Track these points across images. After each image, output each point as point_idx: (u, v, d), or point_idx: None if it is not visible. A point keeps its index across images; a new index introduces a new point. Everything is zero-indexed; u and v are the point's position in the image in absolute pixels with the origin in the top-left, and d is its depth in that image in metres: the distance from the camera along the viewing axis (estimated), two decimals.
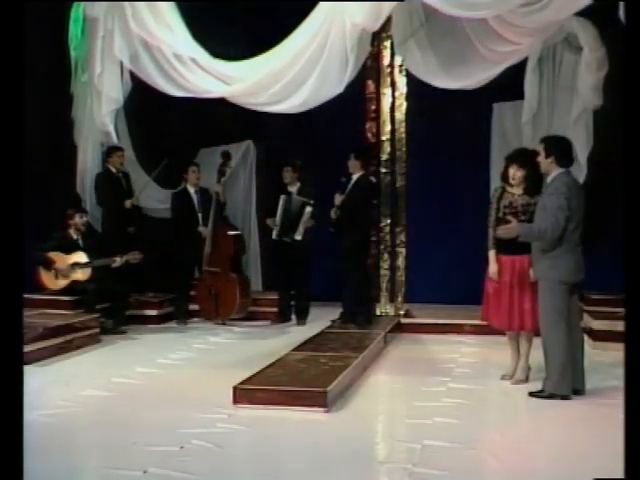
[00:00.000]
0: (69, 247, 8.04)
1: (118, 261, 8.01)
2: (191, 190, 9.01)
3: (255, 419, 4.97)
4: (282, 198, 8.60)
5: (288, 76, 7.39)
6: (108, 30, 8.04)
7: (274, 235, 8.69)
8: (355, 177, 8.04)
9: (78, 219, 8.14)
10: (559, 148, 5.50)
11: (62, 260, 7.95)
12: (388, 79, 8.62)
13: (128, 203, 8.89)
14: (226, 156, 9.00)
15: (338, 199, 7.91)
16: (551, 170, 5.49)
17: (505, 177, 5.90)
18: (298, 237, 8.51)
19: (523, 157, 5.86)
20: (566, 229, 5.34)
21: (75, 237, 8.14)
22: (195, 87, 7.73)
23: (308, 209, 8.47)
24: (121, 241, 8.50)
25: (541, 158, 5.53)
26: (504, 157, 6.08)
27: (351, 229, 7.93)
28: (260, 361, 6.16)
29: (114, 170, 8.92)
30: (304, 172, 8.76)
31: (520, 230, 5.52)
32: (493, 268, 5.86)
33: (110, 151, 8.89)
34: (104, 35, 8.11)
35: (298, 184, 8.71)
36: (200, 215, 8.91)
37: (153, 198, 9.36)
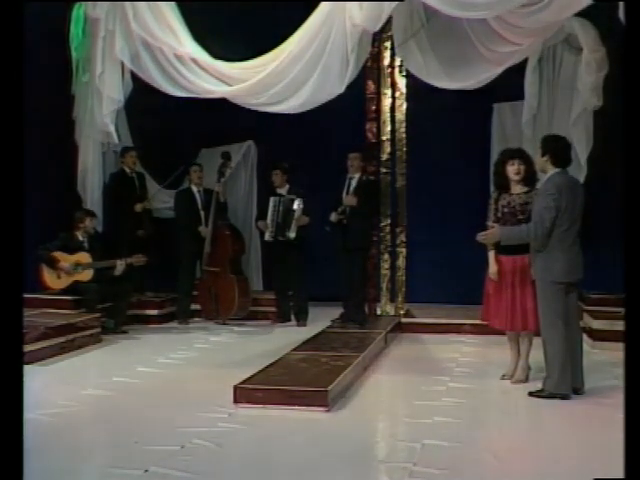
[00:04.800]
0: (74, 247, 8.05)
1: (121, 265, 8.01)
2: (194, 190, 9.06)
3: (256, 418, 4.98)
4: (271, 199, 8.66)
5: (289, 76, 7.41)
6: (109, 30, 8.07)
7: (267, 237, 8.74)
8: (357, 177, 8.09)
9: (88, 222, 8.17)
10: (555, 148, 5.51)
11: (66, 260, 7.97)
12: (388, 79, 8.63)
13: (139, 207, 8.95)
14: (226, 156, 9.03)
15: (351, 199, 7.91)
16: (547, 169, 5.51)
17: (500, 180, 5.89)
18: (292, 234, 8.52)
19: (519, 152, 5.93)
20: (553, 230, 5.36)
21: (81, 238, 8.15)
22: (196, 87, 7.75)
23: (299, 205, 8.49)
24: (129, 243, 8.52)
25: (538, 156, 5.57)
26: (494, 163, 6.08)
27: (357, 229, 7.95)
28: (261, 361, 6.17)
29: (128, 170, 9.01)
30: (293, 174, 8.80)
31: (501, 234, 5.56)
32: (493, 268, 5.86)
33: (123, 151, 9.00)
34: (105, 35, 8.13)
35: (287, 186, 8.76)
36: (203, 215, 8.94)
37: (155, 198, 9.37)
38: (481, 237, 5.61)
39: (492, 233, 5.59)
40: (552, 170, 5.47)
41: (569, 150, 5.65)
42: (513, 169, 5.78)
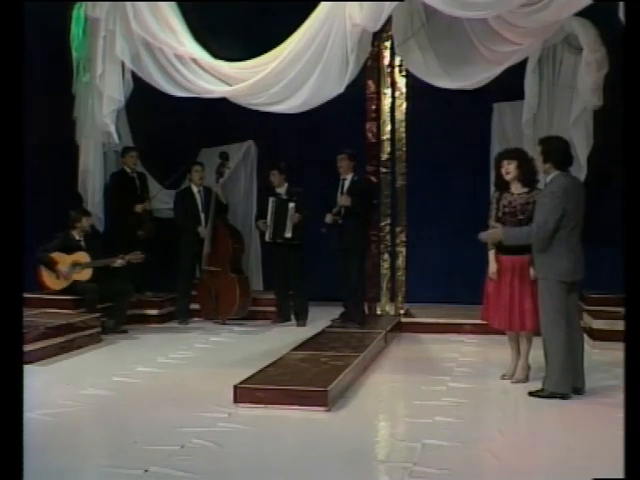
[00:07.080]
0: (72, 247, 8.05)
1: (119, 262, 8.01)
2: (195, 189, 9.07)
3: (256, 418, 4.98)
4: (271, 200, 8.68)
5: (289, 76, 7.42)
6: (109, 30, 8.07)
7: (267, 238, 8.77)
8: (349, 177, 8.09)
9: (84, 222, 8.16)
10: (555, 152, 5.51)
11: (64, 260, 7.97)
12: (388, 79, 8.64)
13: (139, 207, 8.94)
14: (224, 157, 9.04)
15: (345, 199, 7.92)
16: (550, 172, 5.51)
17: (499, 181, 5.91)
18: (288, 234, 8.56)
19: (510, 152, 5.94)
20: (557, 231, 5.35)
21: (78, 238, 8.14)
22: (196, 87, 7.76)
23: (291, 205, 8.56)
24: (129, 244, 8.50)
25: (539, 162, 5.57)
26: (494, 164, 6.09)
27: (352, 229, 7.95)
28: (261, 360, 6.17)
29: (128, 170, 9.01)
30: (291, 173, 8.79)
31: (503, 234, 5.56)
32: (493, 268, 5.87)
33: (124, 151, 8.99)
34: (105, 35, 8.13)
35: (286, 185, 8.78)
36: (203, 215, 8.95)
37: (155, 198, 9.37)
38: (484, 236, 5.62)
39: (495, 233, 5.60)
40: (556, 172, 5.48)
41: (569, 149, 5.66)
42: (502, 170, 5.82)
